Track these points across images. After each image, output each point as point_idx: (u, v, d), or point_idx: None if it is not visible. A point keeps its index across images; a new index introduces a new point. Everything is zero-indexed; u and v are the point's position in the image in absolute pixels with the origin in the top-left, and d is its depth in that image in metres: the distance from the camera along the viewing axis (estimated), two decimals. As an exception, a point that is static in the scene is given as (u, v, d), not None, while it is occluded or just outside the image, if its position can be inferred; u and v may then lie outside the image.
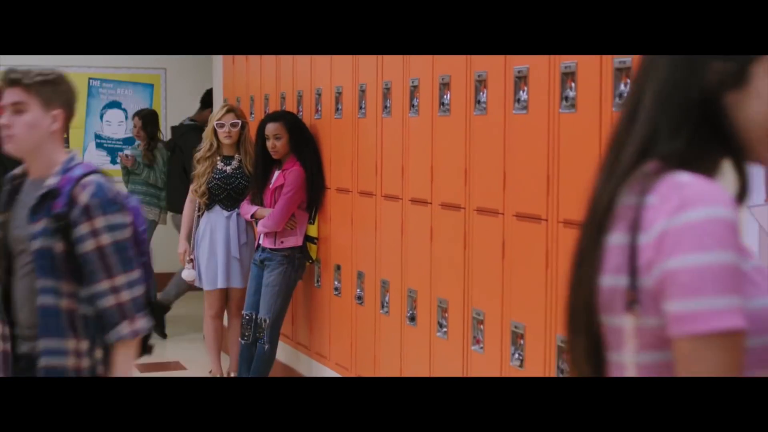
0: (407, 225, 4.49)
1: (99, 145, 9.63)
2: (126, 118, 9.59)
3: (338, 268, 5.28)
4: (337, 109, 5.23)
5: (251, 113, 6.57)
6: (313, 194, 5.42)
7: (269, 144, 5.41)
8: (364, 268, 4.97)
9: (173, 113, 9.80)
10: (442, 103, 4.16)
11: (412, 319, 4.45)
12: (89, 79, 9.55)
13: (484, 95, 3.87)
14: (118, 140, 9.65)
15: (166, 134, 8.63)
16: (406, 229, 4.49)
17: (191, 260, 5.78)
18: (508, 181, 3.72)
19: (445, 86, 4.15)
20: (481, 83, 3.89)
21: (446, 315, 4.17)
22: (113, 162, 9.54)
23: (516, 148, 3.68)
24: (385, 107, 4.69)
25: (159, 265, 8.45)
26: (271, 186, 5.45)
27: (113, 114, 9.66)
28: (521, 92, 3.64)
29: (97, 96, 9.61)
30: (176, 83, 9.80)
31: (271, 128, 5.42)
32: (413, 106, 4.42)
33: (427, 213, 4.29)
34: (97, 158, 9.58)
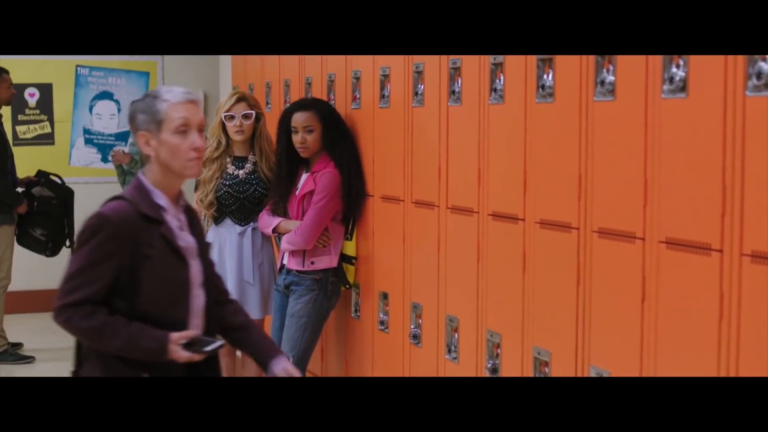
0: (486, 247, 3.42)
1: (88, 141, 8.63)
2: (118, 110, 8.63)
3: (384, 296, 4.21)
4: (383, 96, 4.16)
5: (267, 103, 5.52)
6: (351, 203, 4.32)
7: (298, 139, 4.32)
8: (421, 299, 3.90)
9: (172, 105, 8.77)
10: (542, 86, 3.10)
11: (495, 371, 3.38)
12: (77, 66, 8.56)
13: (610, 74, 2.80)
14: (110, 135, 8.66)
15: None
16: (485, 253, 3.42)
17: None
18: (651, 193, 2.65)
19: (544, 64, 3.08)
20: (604, 58, 2.83)
21: (546, 370, 3.10)
22: (104, 160, 8.55)
23: (663, 145, 2.61)
24: (452, 93, 3.61)
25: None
26: (298, 192, 4.36)
27: (104, 106, 8.67)
28: (673, 68, 2.58)
29: (85, 86, 8.60)
30: (175, 71, 8.76)
31: (300, 119, 4.32)
32: (495, 90, 3.35)
33: (518, 232, 3.22)
34: (87, 155, 8.60)
